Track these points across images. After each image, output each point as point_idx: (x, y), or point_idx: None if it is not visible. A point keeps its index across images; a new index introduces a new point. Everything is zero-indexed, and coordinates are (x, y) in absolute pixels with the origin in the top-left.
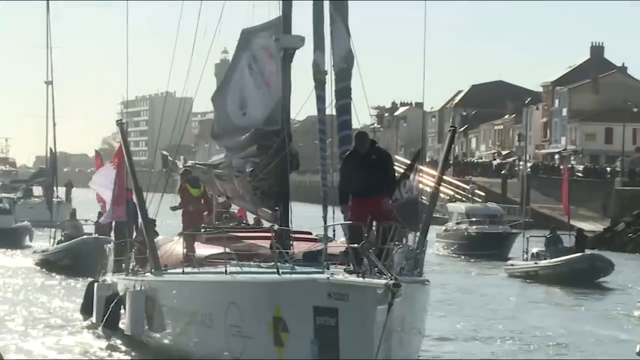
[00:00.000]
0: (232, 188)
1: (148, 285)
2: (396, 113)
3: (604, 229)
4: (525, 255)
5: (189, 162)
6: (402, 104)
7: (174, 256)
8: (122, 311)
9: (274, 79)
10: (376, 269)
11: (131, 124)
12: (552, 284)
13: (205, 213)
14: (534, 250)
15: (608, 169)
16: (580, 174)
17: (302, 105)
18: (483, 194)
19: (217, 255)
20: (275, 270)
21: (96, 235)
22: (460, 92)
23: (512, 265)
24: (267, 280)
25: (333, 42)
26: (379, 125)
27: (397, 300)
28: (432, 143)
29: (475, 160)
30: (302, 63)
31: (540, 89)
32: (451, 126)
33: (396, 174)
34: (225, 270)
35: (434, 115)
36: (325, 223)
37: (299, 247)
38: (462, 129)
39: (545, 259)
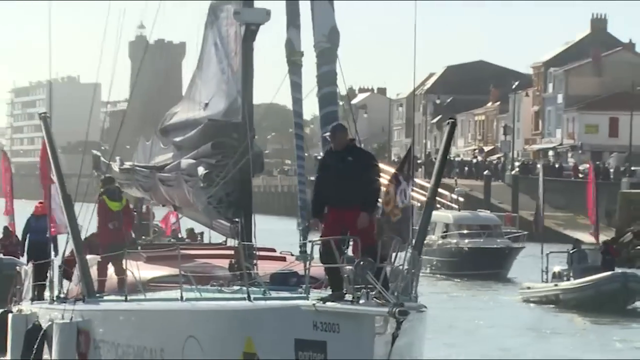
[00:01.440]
0: (180, 195)
1: (80, 315)
2: (354, 101)
3: (607, 240)
4: (545, 276)
5: (127, 164)
6: (362, 90)
7: (111, 280)
8: (46, 348)
9: (238, 63)
10: (373, 292)
11: (24, 116)
12: (575, 311)
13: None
14: (556, 269)
15: (610, 169)
16: (580, 175)
17: (275, 94)
18: (461, 199)
19: (163, 278)
20: (243, 295)
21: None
22: (432, 75)
23: (528, 288)
24: (236, 308)
25: (314, 17)
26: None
27: (400, 331)
28: (399, 137)
29: (453, 158)
30: (276, 42)
31: (531, 71)
32: (450, 118)
33: (379, 183)
34: (181, 296)
35: (401, 103)
36: (305, 237)
37: (263, 267)
38: (434, 120)
39: (568, 279)
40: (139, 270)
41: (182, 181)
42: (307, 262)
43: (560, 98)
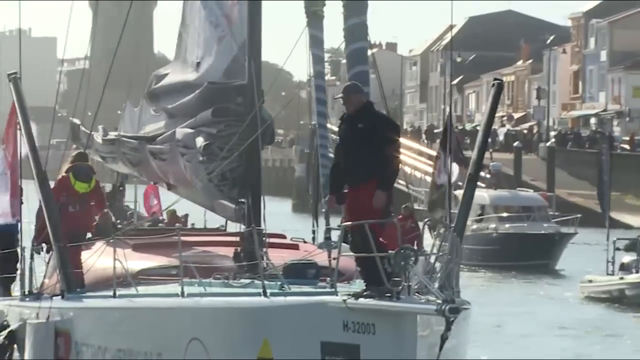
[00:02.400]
0: (175, 171)
1: (58, 314)
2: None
3: None
4: (612, 268)
5: (111, 134)
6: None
7: (95, 271)
8: (15, 352)
9: (237, 13)
10: (415, 286)
11: None
12: None
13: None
14: (626, 259)
15: None
16: (626, 147)
17: (290, 53)
18: (487, 175)
19: (156, 270)
20: (257, 290)
21: None
22: (452, 27)
23: (590, 282)
24: (250, 306)
25: None
26: (333, 77)
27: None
28: (413, 102)
29: (475, 127)
30: None
31: (569, 23)
32: (495, 79)
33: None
34: (182, 292)
35: (415, 62)
36: (328, 223)
37: (273, 257)
38: (454, 81)
39: (637, 271)
40: (126, 260)
41: (178, 154)
42: (337, 252)
43: (603, 55)
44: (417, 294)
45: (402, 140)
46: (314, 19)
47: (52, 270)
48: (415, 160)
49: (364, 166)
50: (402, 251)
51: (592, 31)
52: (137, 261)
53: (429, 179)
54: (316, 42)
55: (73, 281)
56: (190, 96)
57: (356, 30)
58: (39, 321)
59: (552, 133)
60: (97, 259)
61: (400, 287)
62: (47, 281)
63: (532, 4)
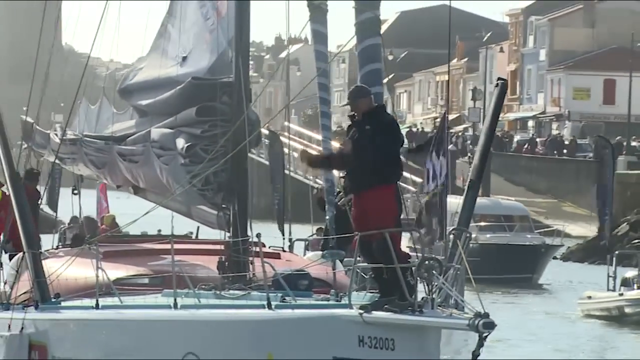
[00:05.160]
0: (149, 175)
1: (33, 325)
2: (283, 54)
3: (598, 232)
4: (613, 283)
5: (70, 133)
6: (293, 41)
7: (70, 280)
8: None
9: (226, 6)
10: (439, 299)
11: None
12: None
13: None
14: (629, 274)
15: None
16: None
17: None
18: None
19: (134, 279)
20: (253, 302)
21: None
22: (383, 22)
23: (589, 298)
24: (255, 318)
25: None
26: (256, 74)
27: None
28: (340, 101)
29: (410, 128)
30: None
31: (507, 20)
32: (499, 78)
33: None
34: (175, 303)
35: (343, 58)
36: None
37: (259, 267)
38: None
39: (639, 287)
40: (103, 269)
41: (153, 156)
42: (337, 263)
43: (542, 54)
44: (440, 307)
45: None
46: (317, 12)
47: (16, 279)
48: None
49: (369, 171)
50: (426, 262)
51: (531, 29)
52: (111, 270)
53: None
54: (319, 37)
55: (47, 290)
56: (169, 93)
57: (370, 25)
58: (11, 333)
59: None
60: (67, 267)
61: (422, 301)
62: (14, 290)
63: None
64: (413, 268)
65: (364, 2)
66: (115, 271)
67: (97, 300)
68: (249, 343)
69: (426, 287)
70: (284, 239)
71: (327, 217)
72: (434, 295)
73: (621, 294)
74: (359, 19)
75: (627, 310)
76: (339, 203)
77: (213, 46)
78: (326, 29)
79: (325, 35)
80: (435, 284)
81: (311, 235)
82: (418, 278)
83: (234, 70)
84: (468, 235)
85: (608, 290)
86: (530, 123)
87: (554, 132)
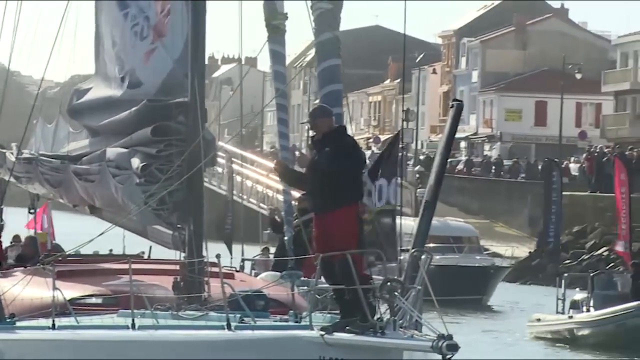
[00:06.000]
0: (103, 194)
1: None
2: (216, 74)
3: (530, 252)
4: (562, 305)
5: (26, 152)
6: (225, 60)
7: (24, 299)
8: None
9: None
10: (402, 320)
11: None
12: (594, 350)
13: None
14: (578, 296)
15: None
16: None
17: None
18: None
19: (90, 299)
20: (211, 322)
21: None
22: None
23: (538, 320)
24: (214, 339)
25: None
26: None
27: None
28: (274, 121)
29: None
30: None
31: (439, 41)
32: (454, 100)
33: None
34: (132, 324)
35: None
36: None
37: (214, 287)
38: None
39: (588, 310)
40: (59, 289)
41: (108, 175)
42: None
43: (475, 76)
44: (402, 328)
45: (261, 161)
46: (276, 33)
47: None
48: (277, 182)
49: (330, 193)
50: (388, 283)
51: (464, 50)
52: (66, 290)
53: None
54: (277, 58)
55: (2, 310)
56: (125, 114)
57: (329, 46)
58: None
59: (421, 157)
60: (23, 287)
61: (384, 322)
62: None
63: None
64: (375, 289)
65: (324, 22)
66: (70, 291)
67: (53, 321)
68: None
69: (390, 308)
70: (232, 258)
71: (286, 238)
72: (395, 317)
73: (570, 317)
74: (318, 40)
75: (577, 332)
76: (293, 223)
77: (157, 66)
78: (284, 49)
79: (284, 56)
80: (397, 305)
81: (256, 256)
82: (380, 299)
83: (189, 91)
84: (429, 256)
85: (557, 312)
86: (463, 144)
87: (486, 152)
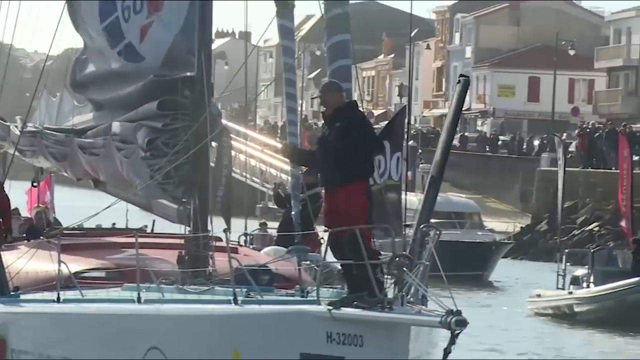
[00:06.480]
0: (109, 168)
1: None
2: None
3: (522, 228)
4: (562, 281)
5: (31, 126)
6: (219, 35)
7: (28, 272)
8: None
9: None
10: (408, 296)
11: None
12: (593, 326)
13: None
14: (579, 272)
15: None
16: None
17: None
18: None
19: (94, 272)
20: (218, 297)
21: None
22: (309, 17)
23: (538, 296)
24: (222, 313)
25: None
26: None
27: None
28: (267, 95)
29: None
30: None
31: (433, 17)
32: (461, 75)
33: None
34: (138, 297)
35: (270, 53)
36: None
37: (219, 262)
38: (311, 74)
39: (588, 286)
40: (65, 263)
41: (113, 149)
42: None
43: (468, 51)
44: (409, 304)
45: (256, 136)
46: (284, 8)
47: None
48: (271, 157)
49: (340, 168)
50: (396, 259)
51: (458, 26)
52: (71, 264)
53: (284, 176)
54: (286, 32)
55: (7, 283)
56: (131, 88)
57: (338, 21)
58: None
59: (413, 132)
60: (27, 261)
61: (393, 297)
62: None
63: None
64: (383, 265)
65: None
66: (75, 264)
67: (58, 294)
68: (215, 338)
69: (398, 284)
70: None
71: (293, 213)
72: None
73: (570, 292)
74: (328, 15)
75: (576, 308)
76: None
77: (158, 39)
78: (293, 24)
79: (292, 31)
80: (406, 281)
81: (254, 230)
82: (388, 275)
83: (196, 65)
84: (438, 232)
85: (557, 288)
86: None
87: (479, 128)
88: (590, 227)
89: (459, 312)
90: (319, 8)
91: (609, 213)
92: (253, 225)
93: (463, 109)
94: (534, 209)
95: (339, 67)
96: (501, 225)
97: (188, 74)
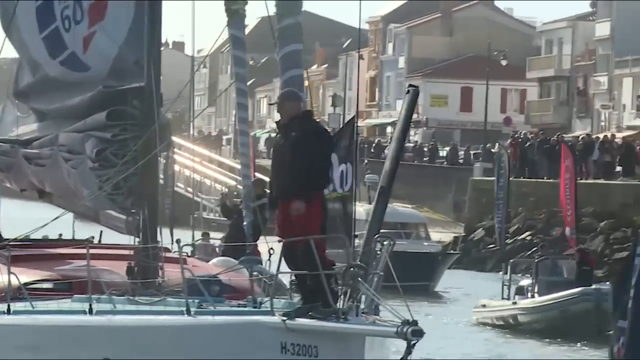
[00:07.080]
0: (56, 179)
1: None
2: None
3: (455, 237)
4: (507, 292)
5: None
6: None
7: None
8: None
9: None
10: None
11: None
12: (536, 336)
13: None
14: (524, 282)
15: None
16: (425, 159)
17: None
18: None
19: (44, 283)
20: (169, 307)
21: None
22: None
23: (483, 306)
24: (174, 324)
25: None
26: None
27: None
28: (201, 105)
29: (267, 134)
30: None
31: (366, 27)
32: (410, 85)
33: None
34: (90, 309)
35: (204, 63)
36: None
37: (169, 273)
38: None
39: (532, 296)
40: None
41: (60, 160)
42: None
43: (401, 62)
44: (363, 314)
45: (190, 146)
46: (235, 18)
47: None
48: (205, 167)
49: (294, 178)
50: (351, 269)
51: (391, 36)
52: (19, 275)
53: (218, 187)
54: (237, 43)
55: None
56: (79, 99)
57: (290, 31)
58: None
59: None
60: None
61: (346, 308)
62: None
63: (328, 4)
64: (338, 275)
65: (286, 8)
66: (24, 276)
67: (8, 305)
68: (169, 350)
69: (353, 294)
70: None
71: (245, 223)
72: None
73: (514, 303)
74: (281, 25)
75: (520, 318)
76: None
77: (102, 49)
78: (244, 34)
79: (244, 41)
80: (360, 291)
81: (197, 240)
82: (343, 285)
83: (145, 76)
84: (392, 242)
85: (502, 298)
86: (389, 129)
87: (412, 138)
88: (523, 236)
89: (415, 322)
90: (268, 19)
91: (542, 222)
92: (189, 235)
93: (397, 119)
94: (466, 219)
95: (291, 77)
96: (435, 235)
97: (138, 84)
